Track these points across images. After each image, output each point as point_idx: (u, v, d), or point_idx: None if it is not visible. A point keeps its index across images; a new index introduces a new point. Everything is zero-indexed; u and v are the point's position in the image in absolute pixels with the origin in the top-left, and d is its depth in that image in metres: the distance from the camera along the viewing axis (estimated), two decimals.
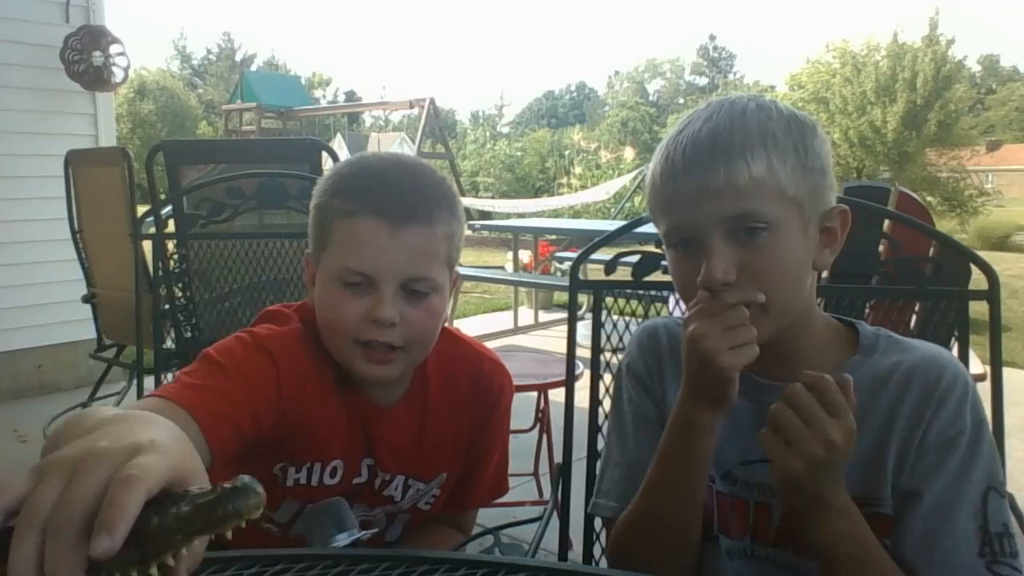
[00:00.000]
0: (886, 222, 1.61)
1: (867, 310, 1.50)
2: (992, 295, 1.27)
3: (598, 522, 1.36)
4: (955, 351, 1.30)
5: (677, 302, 1.52)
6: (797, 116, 0.88)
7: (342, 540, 0.91)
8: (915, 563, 0.84)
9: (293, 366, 0.99)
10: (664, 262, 1.45)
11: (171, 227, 2.35)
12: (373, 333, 0.98)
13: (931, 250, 1.54)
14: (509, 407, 1.21)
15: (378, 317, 0.96)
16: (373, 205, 0.97)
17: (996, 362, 1.27)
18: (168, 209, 2.33)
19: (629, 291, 1.49)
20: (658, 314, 1.55)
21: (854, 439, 0.79)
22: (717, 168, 0.83)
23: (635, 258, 1.47)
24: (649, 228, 1.62)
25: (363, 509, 1.11)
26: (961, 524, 0.83)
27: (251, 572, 0.76)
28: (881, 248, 1.57)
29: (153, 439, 0.53)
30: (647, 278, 1.47)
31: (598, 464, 1.14)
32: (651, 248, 1.47)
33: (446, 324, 1.13)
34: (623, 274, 1.49)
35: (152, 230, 2.24)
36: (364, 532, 0.99)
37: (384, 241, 0.96)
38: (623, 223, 1.62)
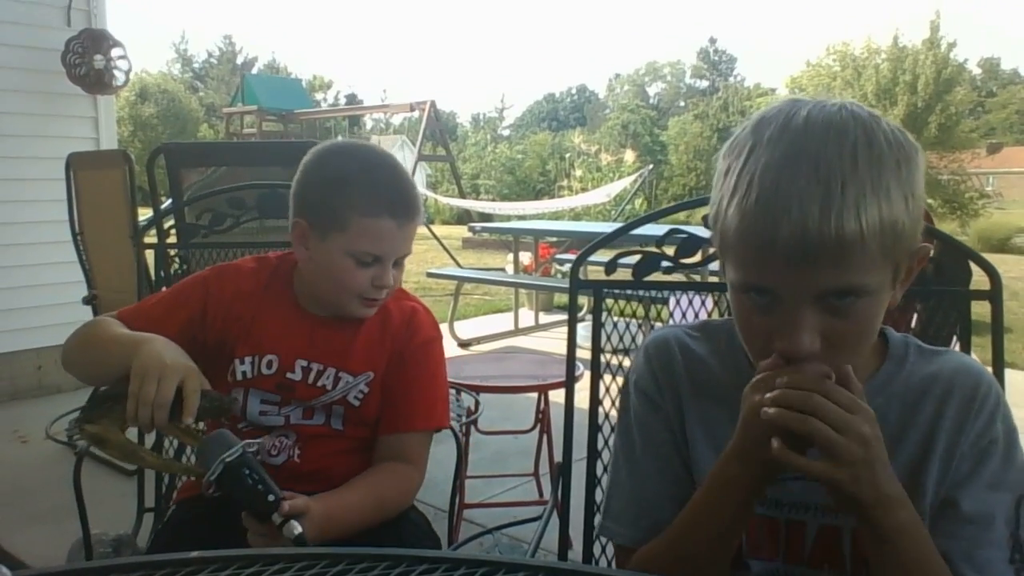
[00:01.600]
0: None
1: None
2: (994, 295, 1.27)
3: (598, 519, 1.36)
4: (957, 349, 1.30)
5: (678, 302, 1.53)
6: (903, 147, 0.77)
7: (230, 456, 1.05)
8: (959, 568, 0.84)
9: (221, 286, 1.40)
10: (665, 263, 1.46)
11: (172, 232, 2.35)
12: (375, 293, 1.34)
13: (932, 250, 1.54)
14: (432, 347, 1.44)
15: (382, 284, 1.33)
16: (389, 209, 1.30)
17: (998, 363, 1.26)
18: (170, 213, 2.33)
19: (629, 291, 1.49)
20: (658, 315, 1.54)
21: (877, 423, 0.77)
22: (828, 226, 0.72)
23: (635, 259, 1.47)
24: (647, 230, 1.63)
25: (300, 401, 1.37)
26: (996, 533, 0.84)
27: (250, 572, 0.76)
28: None
29: (190, 366, 1.15)
30: (647, 278, 1.47)
31: (604, 478, 1.13)
32: (652, 249, 1.47)
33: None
34: (623, 275, 1.50)
35: (153, 231, 2.24)
36: (251, 442, 1.11)
37: (395, 234, 1.32)
38: (623, 224, 1.62)
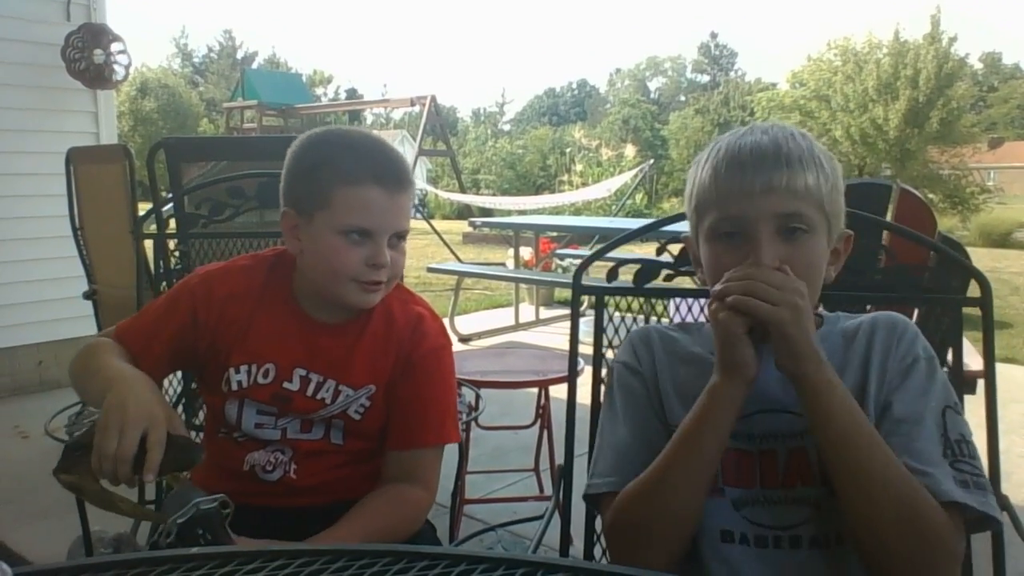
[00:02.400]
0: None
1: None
2: (984, 302, 1.30)
3: (598, 521, 1.37)
4: (950, 355, 1.33)
5: (677, 307, 1.53)
6: (826, 150, 1.03)
7: (181, 516, 1.01)
8: (900, 457, 0.95)
9: (209, 289, 1.32)
10: (666, 270, 1.47)
11: (172, 224, 2.35)
12: (370, 275, 1.24)
13: (930, 252, 1.54)
14: (441, 355, 1.36)
15: (378, 263, 1.23)
16: (373, 176, 1.21)
17: (989, 363, 1.31)
18: (169, 206, 2.33)
19: (630, 296, 1.50)
20: (659, 317, 1.56)
21: (806, 297, 0.94)
22: (782, 170, 0.97)
23: (636, 266, 1.48)
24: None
25: (296, 413, 1.31)
26: (928, 431, 0.97)
27: (250, 568, 0.76)
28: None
29: (156, 414, 1.05)
30: (647, 285, 1.48)
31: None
32: (651, 256, 1.47)
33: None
34: (624, 273, 1.50)
35: (153, 227, 2.24)
36: (210, 498, 1.03)
37: (384, 204, 1.22)
38: (624, 222, 1.63)
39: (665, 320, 1.57)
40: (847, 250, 1.07)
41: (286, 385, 1.30)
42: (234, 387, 1.31)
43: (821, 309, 1.12)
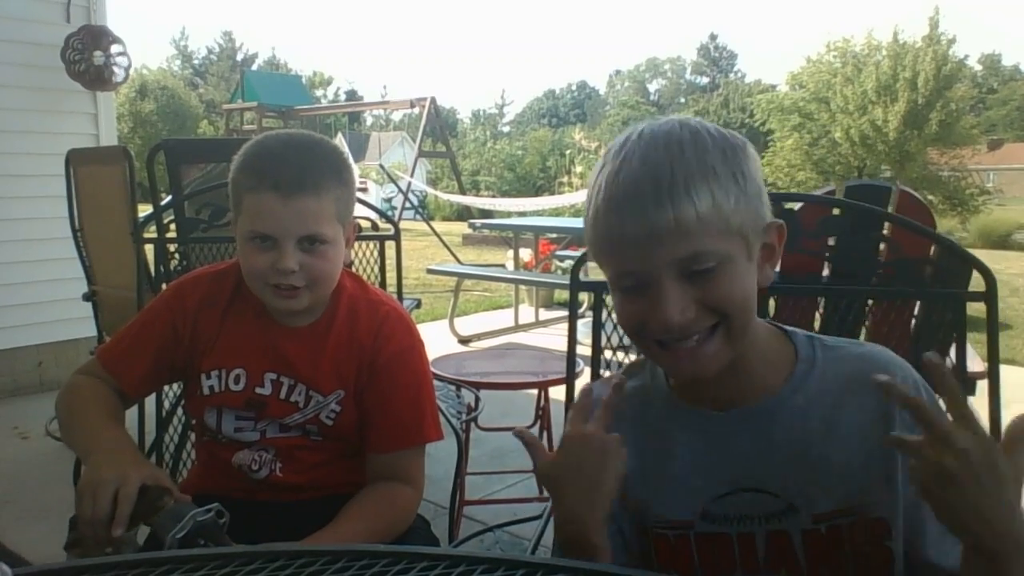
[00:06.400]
0: (886, 224, 1.62)
1: (867, 310, 1.51)
2: (989, 296, 1.28)
3: None
4: (953, 350, 1.31)
5: None
6: (728, 140, 0.86)
7: (180, 531, 1.02)
8: (939, 559, 0.85)
9: (182, 299, 1.35)
10: None
11: (172, 226, 2.35)
12: (279, 279, 1.23)
13: (931, 250, 1.54)
14: (407, 356, 1.34)
15: (280, 268, 1.22)
16: (270, 181, 1.21)
17: (993, 361, 1.28)
18: (170, 208, 2.34)
19: None
20: None
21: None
22: (664, 209, 0.81)
23: None
24: None
25: (273, 418, 1.32)
26: None
27: (250, 568, 0.77)
28: (882, 247, 1.58)
29: (126, 475, 1.06)
30: None
31: None
32: None
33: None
34: None
35: (153, 228, 2.24)
36: (206, 508, 1.04)
37: (279, 209, 1.21)
38: None
39: None
40: (781, 240, 0.92)
41: (258, 390, 1.32)
42: (206, 392, 1.33)
43: (798, 333, 0.97)
